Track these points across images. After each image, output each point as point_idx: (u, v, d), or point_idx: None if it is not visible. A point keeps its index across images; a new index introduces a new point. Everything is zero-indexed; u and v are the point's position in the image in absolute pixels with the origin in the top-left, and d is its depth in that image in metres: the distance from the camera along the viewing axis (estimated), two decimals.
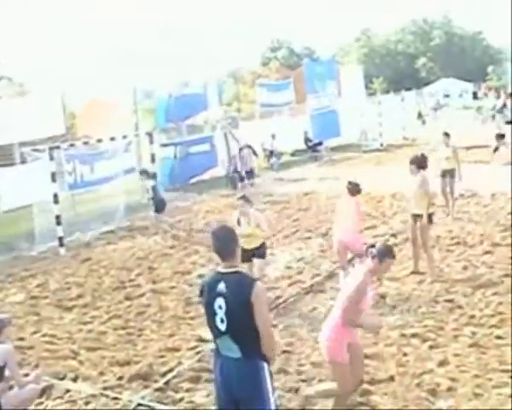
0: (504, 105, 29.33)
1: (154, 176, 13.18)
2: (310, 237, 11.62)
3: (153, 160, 14.50)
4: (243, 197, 7.97)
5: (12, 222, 14.05)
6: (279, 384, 5.74)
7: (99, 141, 14.54)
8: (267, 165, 21.80)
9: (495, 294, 7.88)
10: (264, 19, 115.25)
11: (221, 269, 4.16)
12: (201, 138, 20.96)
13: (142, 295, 9.08)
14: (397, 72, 66.21)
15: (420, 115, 33.41)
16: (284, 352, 6.63)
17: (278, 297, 8.41)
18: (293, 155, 24.31)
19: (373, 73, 58.21)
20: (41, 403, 5.97)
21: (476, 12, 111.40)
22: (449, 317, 7.31)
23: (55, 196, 12.14)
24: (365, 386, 5.64)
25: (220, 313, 4.06)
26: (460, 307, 7.59)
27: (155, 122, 21.41)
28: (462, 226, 11.31)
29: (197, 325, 7.62)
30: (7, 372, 5.40)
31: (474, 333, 6.81)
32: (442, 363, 6.18)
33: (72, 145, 14.04)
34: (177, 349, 7.03)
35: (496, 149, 18.27)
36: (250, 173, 18.05)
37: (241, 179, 17.73)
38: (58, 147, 13.13)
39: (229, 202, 14.68)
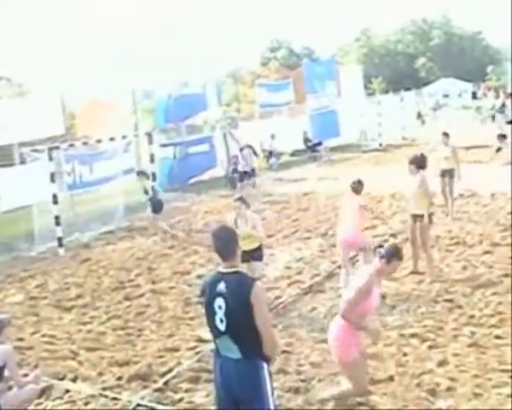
0: (503, 105, 29.35)
1: (153, 177, 13.14)
2: (309, 237, 11.62)
3: (152, 160, 14.49)
4: (240, 199, 7.98)
5: (11, 222, 14.05)
6: (278, 384, 5.74)
7: (98, 141, 14.53)
8: (266, 165, 21.79)
9: (494, 294, 7.89)
10: (264, 19, 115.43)
11: (221, 269, 4.18)
12: (201, 139, 20.96)
13: (142, 295, 9.07)
14: (396, 72, 66.28)
15: (419, 115, 33.42)
16: (283, 352, 6.62)
17: (277, 297, 8.40)
18: (292, 155, 24.31)
19: (372, 73, 58.24)
20: (40, 403, 5.97)
21: (475, 12, 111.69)
22: (448, 317, 7.31)
23: (55, 196, 12.14)
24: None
25: (220, 313, 4.07)
26: (459, 306, 7.60)
27: (155, 122, 21.41)
28: (462, 226, 11.31)
29: (196, 325, 7.62)
30: (6, 373, 5.41)
31: (473, 333, 6.81)
32: (441, 363, 6.18)
33: (71, 145, 14.01)
34: (176, 350, 7.03)
35: (498, 150, 18.29)
36: (251, 173, 18.05)
37: (241, 180, 17.72)
38: (57, 147, 13.11)
39: (228, 202, 14.64)
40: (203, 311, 4.27)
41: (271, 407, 4.10)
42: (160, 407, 5.78)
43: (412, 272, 8.89)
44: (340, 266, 9.15)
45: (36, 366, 6.68)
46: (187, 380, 6.24)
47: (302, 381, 6.03)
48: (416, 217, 8.82)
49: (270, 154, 21.94)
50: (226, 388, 4.14)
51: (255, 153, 19.26)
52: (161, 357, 6.84)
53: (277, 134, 22.06)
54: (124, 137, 15.21)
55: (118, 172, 14.68)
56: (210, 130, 22.45)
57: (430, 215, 8.83)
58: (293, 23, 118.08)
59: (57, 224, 12.09)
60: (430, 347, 6.56)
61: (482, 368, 6.02)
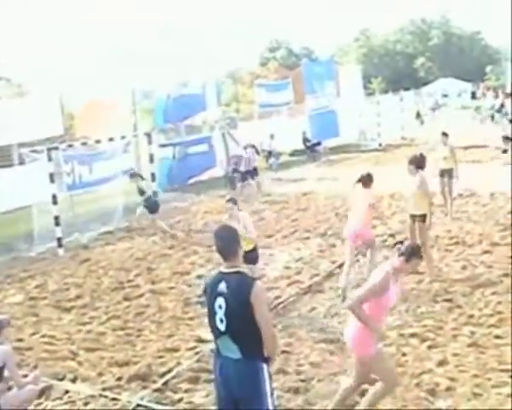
0: (502, 105, 29.37)
1: (152, 177, 13.03)
2: (308, 237, 11.62)
3: (151, 160, 14.47)
4: (231, 200, 8.01)
5: (11, 223, 14.04)
6: (278, 384, 5.74)
7: (97, 142, 14.51)
8: (266, 165, 21.78)
9: (494, 293, 7.89)
10: (263, 19, 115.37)
11: (223, 269, 4.19)
12: (200, 139, 20.95)
13: (141, 295, 9.07)
14: (395, 72, 66.26)
15: (418, 115, 33.43)
16: (283, 352, 6.61)
17: (277, 297, 8.40)
18: (291, 155, 24.31)
19: (371, 73, 58.24)
20: (40, 404, 5.97)
21: (475, 12, 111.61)
22: (448, 316, 7.32)
23: (54, 196, 12.13)
24: (365, 386, 5.63)
25: (220, 313, 4.07)
26: (459, 306, 7.60)
27: (154, 123, 21.40)
28: (461, 226, 11.31)
29: (196, 325, 7.62)
30: (6, 373, 5.41)
31: (473, 333, 6.81)
32: (441, 363, 6.18)
33: (70, 146, 14.00)
34: (176, 350, 7.02)
35: (505, 151, 18.32)
36: (254, 172, 18.05)
37: (243, 179, 17.71)
38: (56, 148, 13.10)
39: None
40: (203, 311, 4.29)
41: (270, 407, 4.10)
42: (159, 407, 5.78)
43: (411, 272, 8.86)
44: (339, 266, 9.17)
45: (35, 367, 6.68)
46: (186, 380, 6.23)
47: (302, 381, 6.03)
48: (415, 217, 8.81)
49: (270, 154, 21.94)
50: (226, 388, 4.14)
51: (257, 152, 19.25)
52: (161, 357, 6.84)
53: (276, 134, 22.04)
54: (123, 137, 15.20)
55: (117, 173, 14.66)
56: (209, 130, 22.43)
57: (427, 215, 8.81)
58: (293, 23, 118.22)
59: (57, 224, 12.09)
60: (429, 347, 6.56)
61: (482, 368, 6.02)
